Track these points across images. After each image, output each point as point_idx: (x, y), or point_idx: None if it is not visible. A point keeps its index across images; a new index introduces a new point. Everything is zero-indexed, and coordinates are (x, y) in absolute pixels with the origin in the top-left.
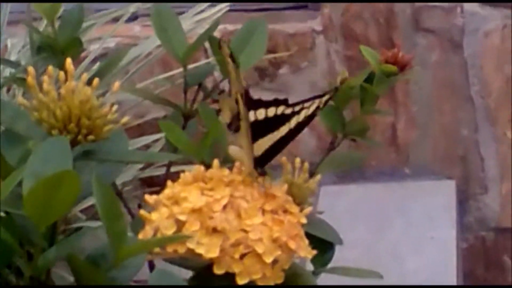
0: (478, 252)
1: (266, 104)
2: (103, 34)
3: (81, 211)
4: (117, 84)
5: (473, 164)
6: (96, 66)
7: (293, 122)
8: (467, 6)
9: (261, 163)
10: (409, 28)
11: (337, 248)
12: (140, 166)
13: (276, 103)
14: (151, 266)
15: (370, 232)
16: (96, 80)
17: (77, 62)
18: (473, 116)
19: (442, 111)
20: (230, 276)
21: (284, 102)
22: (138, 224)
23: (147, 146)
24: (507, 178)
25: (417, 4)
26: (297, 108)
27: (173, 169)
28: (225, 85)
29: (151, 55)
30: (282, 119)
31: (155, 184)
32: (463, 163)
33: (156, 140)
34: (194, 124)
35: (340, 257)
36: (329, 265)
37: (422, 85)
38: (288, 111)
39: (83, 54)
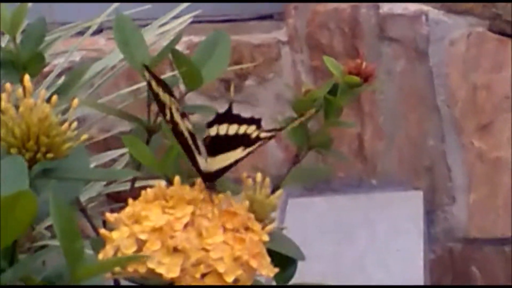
0: (446, 263)
1: (230, 120)
2: (68, 48)
3: (47, 228)
4: (76, 101)
5: (440, 174)
6: (60, 80)
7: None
8: (432, 14)
9: (212, 178)
10: (374, 37)
11: (304, 261)
12: (105, 182)
13: (240, 121)
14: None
15: (336, 244)
16: (54, 97)
17: (42, 77)
18: (439, 125)
19: (409, 121)
20: None
21: (249, 122)
22: (99, 242)
23: (113, 160)
24: (475, 188)
25: (382, 12)
26: (257, 134)
27: (138, 183)
28: (189, 97)
29: (116, 69)
30: (242, 139)
31: (121, 200)
32: (430, 173)
33: (122, 155)
34: (158, 138)
35: (306, 269)
36: (295, 278)
37: (388, 95)
38: (251, 131)
39: (48, 69)
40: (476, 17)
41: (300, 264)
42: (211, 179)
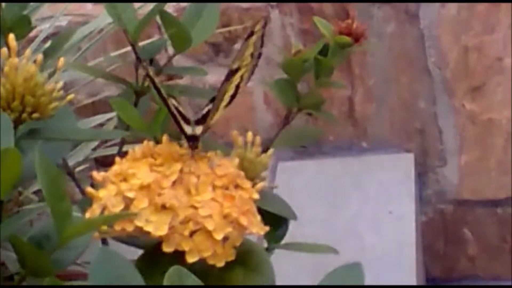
0: (438, 226)
1: None
2: (54, 13)
3: (35, 193)
4: (62, 60)
5: (431, 136)
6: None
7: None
8: None
9: (196, 139)
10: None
11: (294, 224)
12: (93, 145)
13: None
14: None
15: (327, 208)
16: (39, 57)
17: (28, 42)
18: (430, 88)
19: (399, 83)
20: (180, 254)
21: None
22: (87, 202)
23: (101, 125)
24: (466, 150)
25: None
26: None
27: (126, 148)
28: (178, 61)
29: (103, 32)
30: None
31: (109, 164)
32: (421, 135)
33: (110, 119)
34: (146, 101)
35: (297, 233)
36: (286, 241)
37: (379, 57)
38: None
39: (34, 33)
40: None
41: (291, 227)
42: (193, 139)
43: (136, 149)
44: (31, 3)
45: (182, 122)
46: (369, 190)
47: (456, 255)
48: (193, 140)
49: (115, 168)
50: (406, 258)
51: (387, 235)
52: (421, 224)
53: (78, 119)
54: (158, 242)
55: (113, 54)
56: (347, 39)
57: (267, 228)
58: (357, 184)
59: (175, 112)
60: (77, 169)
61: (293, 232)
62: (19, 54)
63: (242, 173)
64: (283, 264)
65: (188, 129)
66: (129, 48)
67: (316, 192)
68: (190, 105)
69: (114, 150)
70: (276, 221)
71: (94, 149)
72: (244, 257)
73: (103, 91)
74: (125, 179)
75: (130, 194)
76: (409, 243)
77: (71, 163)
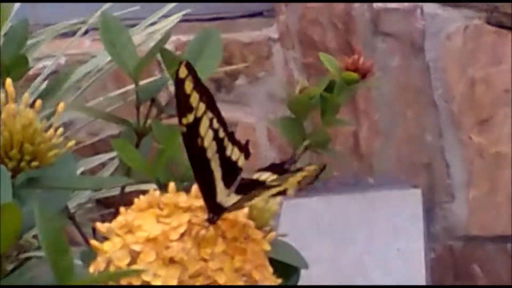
0: (447, 262)
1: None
2: (52, 51)
3: (35, 236)
4: (62, 105)
5: (439, 171)
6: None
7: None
8: (427, 8)
9: (220, 212)
10: (368, 32)
11: (307, 269)
12: None
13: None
14: None
15: (334, 246)
16: (38, 102)
17: (27, 81)
18: (437, 121)
19: (405, 117)
20: None
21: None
22: (89, 254)
23: (103, 165)
24: (474, 184)
25: (376, 7)
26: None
27: (129, 188)
28: None
29: (103, 70)
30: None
31: (111, 205)
32: (428, 170)
33: (112, 158)
34: (148, 141)
35: (304, 273)
36: None
37: (384, 91)
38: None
39: (33, 73)
40: (472, 9)
41: None
42: (219, 213)
43: (141, 199)
44: (28, 42)
45: (218, 184)
46: (376, 227)
47: None
48: (217, 212)
49: (119, 219)
50: None
51: (396, 273)
52: (430, 261)
53: (79, 159)
54: None
55: (113, 93)
56: (354, 75)
57: (279, 281)
58: (363, 221)
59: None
60: (79, 211)
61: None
62: (16, 93)
63: (252, 223)
64: None
65: (221, 193)
66: (129, 87)
67: (322, 230)
68: None
69: (117, 190)
70: (287, 270)
71: (96, 190)
72: None
73: (103, 130)
74: (130, 231)
75: (137, 247)
76: (418, 281)
77: (72, 204)
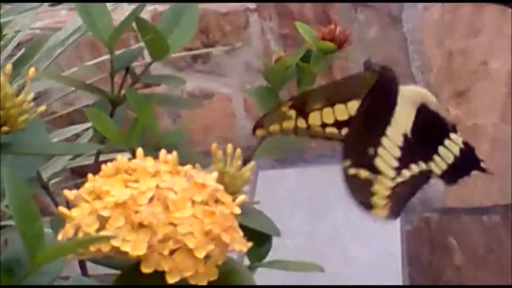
0: (423, 234)
1: None
2: (29, 21)
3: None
4: (32, 70)
5: None
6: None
7: None
8: None
9: None
10: (346, 3)
11: (279, 236)
12: (71, 156)
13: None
14: (82, 263)
15: (310, 218)
16: (8, 67)
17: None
18: None
19: None
20: (159, 274)
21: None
22: (59, 221)
23: (77, 135)
24: None
25: None
26: None
27: (103, 157)
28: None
29: (78, 40)
30: None
31: (86, 174)
32: None
33: (87, 129)
34: (123, 111)
35: (280, 245)
36: (268, 257)
37: (361, 62)
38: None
39: (6, 42)
40: None
41: (273, 239)
42: None
43: (109, 165)
44: (3, 11)
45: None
46: None
47: (442, 264)
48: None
49: (87, 185)
50: (392, 268)
51: (372, 245)
52: (406, 233)
53: (53, 130)
54: (136, 263)
55: (89, 63)
56: (330, 45)
57: (250, 245)
58: (340, 193)
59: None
60: (54, 180)
61: (276, 244)
62: None
63: (222, 187)
64: (268, 278)
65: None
66: (105, 56)
67: (298, 202)
68: (167, 113)
69: (91, 159)
70: (258, 238)
71: (71, 159)
72: (227, 276)
73: (79, 100)
74: (98, 197)
75: (105, 213)
76: (395, 252)
77: (47, 174)
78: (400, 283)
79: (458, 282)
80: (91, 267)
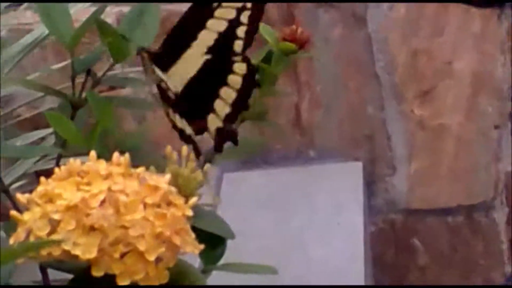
0: (388, 236)
1: None
2: None
3: None
4: None
5: (380, 143)
6: None
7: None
8: None
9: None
10: (310, 4)
11: (240, 237)
12: (35, 160)
13: None
14: (43, 271)
15: (274, 220)
16: None
17: None
18: (379, 93)
19: (347, 89)
20: (111, 278)
21: None
22: (12, 226)
23: (43, 139)
24: (416, 157)
25: None
26: None
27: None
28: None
29: (42, 42)
30: None
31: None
32: (370, 143)
33: (52, 133)
34: (84, 113)
35: (242, 247)
36: (232, 256)
37: (326, 62)
38: None
39: None
40: None
41: (237, 240)
42: None
43: (62, 168)
44: None
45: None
46: (317, 200)
47: (406, 265)
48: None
49: (39, 189)
50: (355, 270)
51: (336, 247)
52: (370, 235)
53: (18, 134)
54: (88, 266)
55: (54, 66)
56: (291, 45)
57: (202, 247)
58: (304, 195)
59: None
60: (17, 184)
61: (239, 246)
62: None
63: (174, 190)
64: (226, 281)
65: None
66: (70, 60)
67: (262, 203)
68: (132, 115)
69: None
70: (212, 241)
71: (35, 163)
72: (178, 279)
73: (44, 104)
74: (50, 200)
75: (56, 216)
76: (358, 255)
77: (10, 178)
78: (362, 283)
79: (423, 282)
80: (52, 272)
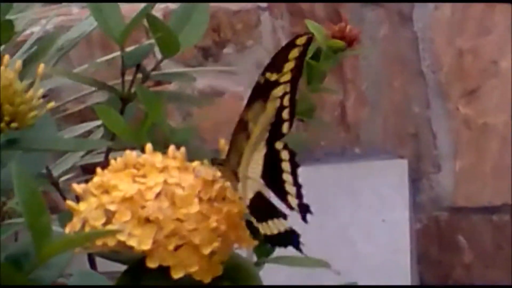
0: (432, 233)
1: None
2: (41, 18)
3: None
4: (42, 66)
5: (425, 141)
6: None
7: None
8: None
9: None
10: (356, 2)
11: None
12: (81, 153)
13: None
14: (91, 259)
15: (319, 216)
16: (18, 63)
17: (15, 47)
18: (424, 91)
19: (393, 87)
20: (164, 270)
21: None
22: (67, 216)
23: (90, 132)
24: (461, 155)
25: None
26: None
27: (114, 155)
28: (167, 66)
29: (89, 37)
30: None
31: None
32: (415, 141)
33: (99, 126)
34: (133, 108)
35: None
36: (277, 251)
37: (371, 61)
38: None
39: (21, 40)
40: None
41: None
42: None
43: (118, 160)
44: (15, 8)
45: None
46: (362, 197)
47: (451, 262)
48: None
49: (96, 179)
50: (400, 266)
51: (381, 243)
52: (415, 232)
53: (65, 127)
54: (142, 257)
55: (100, 59)
56: (340, 43)
57: (256, 242)
58: (349, 191)
59: None
60: (63, 178)
61: None
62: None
63: (229, 185)
64: (273, 276)
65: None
66: (116, 53)
67: (307, 200)
68: (178, 111)
69: (102, 157)
70: None
71: (82, 157)
72: (232, 272)
73: (91, 98)
74: (106, 191)
75: (112, 207)
76: (403, 251)
77: (57, 172)
78: (408, 280)
79: (468, 280)
80: (100, 264)
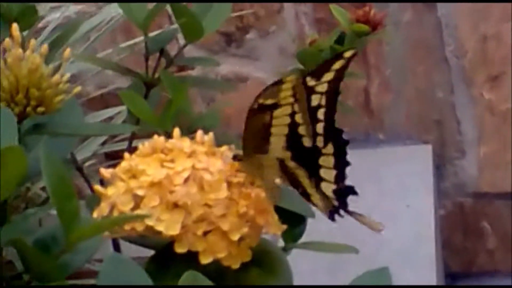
0: (456, 219)
1: None
2: (63, 3)
3: (43, 188)
4: (68, 51)
5: (449, 127)
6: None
7: None
8: None
9: None
10: None
11: (310, 220)
12: (102, 140)
13: None
14: (115, 245)
15: None
16: (44, 47)
17: (37, 32)
18: (448, 77)
19: (416, 73)
20: (193, 255)
21: None
22: (94, 200)
23: (111, 118)
24: (485, 141)
25: None
26: None
27: (137, 142)
28: (189, 51)
29: (112, 22)
30: None
31: (119, 158)
32: (439, 126)
33: (120, 112)
34: (157, 93)
35: (313, 229)
36: (302, 239)
37: (395, 46)
38: None
39: (43, 25)
40: None
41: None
42: None
43: (145, 144)
44: None
45: None
46: (386, 183)
47: (475, 248)
48: None
49: (123, 164)
50: (425, 253)
51: (405, 229)
52: (439, 217)
53: (87, 113)
54: (170, 242)
55: (122, 45)
56: (364, 27)
57: (284, 227)
58: (373, 177)
59: None
60: (86, 164)
61: (309, 228)
62: (26, 43)
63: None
64: (299, 262)
65: None
66: (139, 38)
67: None
68: (201, 97)
69: (124, 144)
70: (293, 219)
71: (103, 144)
72: (261, 257)
73: (112, 83)
74: (134, 176)
75: (140, 192)
76: (428, 238)
77: (79, 157)
78: (434, 267)
79: (491, 266)
80: (124, 250)
